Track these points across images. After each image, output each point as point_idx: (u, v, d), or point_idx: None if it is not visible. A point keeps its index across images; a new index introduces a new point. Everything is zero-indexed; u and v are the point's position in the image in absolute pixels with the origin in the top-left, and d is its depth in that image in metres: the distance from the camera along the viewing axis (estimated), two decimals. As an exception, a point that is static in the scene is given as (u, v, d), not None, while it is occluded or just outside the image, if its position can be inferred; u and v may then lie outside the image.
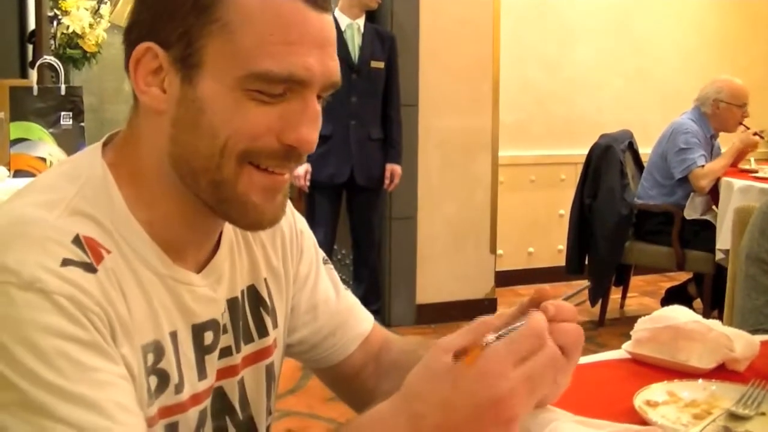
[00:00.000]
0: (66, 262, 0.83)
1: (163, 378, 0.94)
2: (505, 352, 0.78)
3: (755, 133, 4.63)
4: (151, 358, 0.92)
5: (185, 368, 0.97)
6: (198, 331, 0.99)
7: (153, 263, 0.94)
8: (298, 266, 1.18)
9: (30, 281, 0.80)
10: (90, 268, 0.85)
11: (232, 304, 1.06)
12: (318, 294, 1.20)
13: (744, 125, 4.72)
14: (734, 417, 1.12)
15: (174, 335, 0.96)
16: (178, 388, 0.96)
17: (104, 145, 0.98)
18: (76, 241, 0.86)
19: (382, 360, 1.23)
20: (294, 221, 1.19)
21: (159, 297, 0.94)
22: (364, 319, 1.25)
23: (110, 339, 0.84)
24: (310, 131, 0.91)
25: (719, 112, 4.65)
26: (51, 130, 3.11)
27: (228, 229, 1.06)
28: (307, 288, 1.20)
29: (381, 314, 4.62)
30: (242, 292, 1.08)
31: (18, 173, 3.02)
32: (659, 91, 5.90)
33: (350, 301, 1.25)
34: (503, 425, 0.78)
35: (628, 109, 5.84)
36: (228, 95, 0.88)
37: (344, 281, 1.30)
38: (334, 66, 0.93)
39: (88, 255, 0.86)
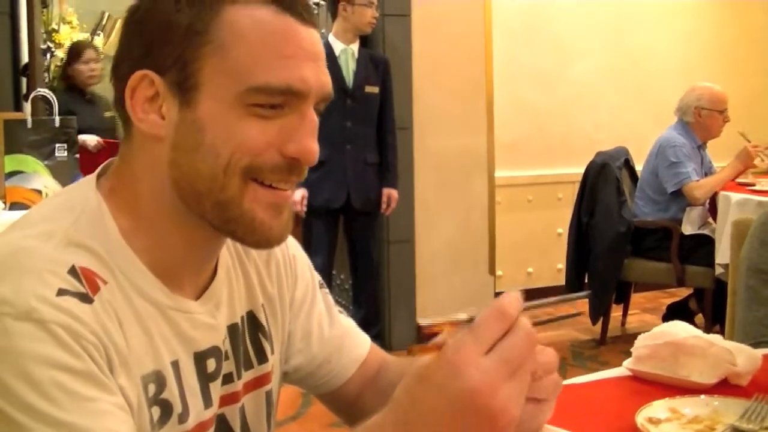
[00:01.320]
0: (62, 292, 0.82)
1: (166, 408, 0.93)
2: (471, 339, 0.73)
3: (755, 146, 4.63)
4: (152, 388, 0.91)
5: (190, 397, 0.96)
6: (200, 358, 0.98)
7: (149, 293, 0.93)
8: (293, 292, 1.18)
9: (26, 311, 0.79)
10: (86, 299, 0.84)
11: (233, 330, 1.05)
12: (312, 320, 1.20)
13: (742, 134, 4.73)
14: (738, 432, 1.11)
15: (176, 364, 0.95)
16: (182, 418, 0.95)
17: (99, 176, 0.98)
18: (72, 271, 0.85)
19: (380, 381, 1.21)
20: (286, 246, 1.18)
21: (157, 327, 0.93)
22: (360, 343, 1.24)
23: (107, 369, 0.83)
24: (310, 141, 0.93)
25: (701, 120, 4.67)
26: (46, 162, 3.12)
27: (224, 255, 1.06)
28: (302, 314, 1.19)
29: (381, 338, 4.60)
30: (242, 318, 1.08)
31: (13, 206, 3.03)
32: (656, 106, 5.88)
33: (345, 325, 1.24)
34: (490, 420, 0.71)
35: (625, 125, 5.84)
36: (228, 113, 0.89)
37: (344, 306, 1.29)
38: (327, 79, 0.95)
39: (84, 285, 0.85)
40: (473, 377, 0.71)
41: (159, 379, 0.92)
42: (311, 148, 0.93)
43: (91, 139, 4.76)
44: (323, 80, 0.94)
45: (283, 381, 1.19)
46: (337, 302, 1.27)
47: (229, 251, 1.08)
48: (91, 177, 0.98)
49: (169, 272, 0.95)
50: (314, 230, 4.33)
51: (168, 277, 0.95)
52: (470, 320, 0.76)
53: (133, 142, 0.96)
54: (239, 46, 0.89)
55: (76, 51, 4.99)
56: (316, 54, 0.93)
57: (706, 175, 4.67)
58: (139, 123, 0.93)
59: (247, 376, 1.08)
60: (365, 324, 4.39)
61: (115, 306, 0.88)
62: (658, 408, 1.19)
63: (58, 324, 0.80)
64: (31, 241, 0.87)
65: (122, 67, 0.93)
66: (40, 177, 3.10)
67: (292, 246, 1.20)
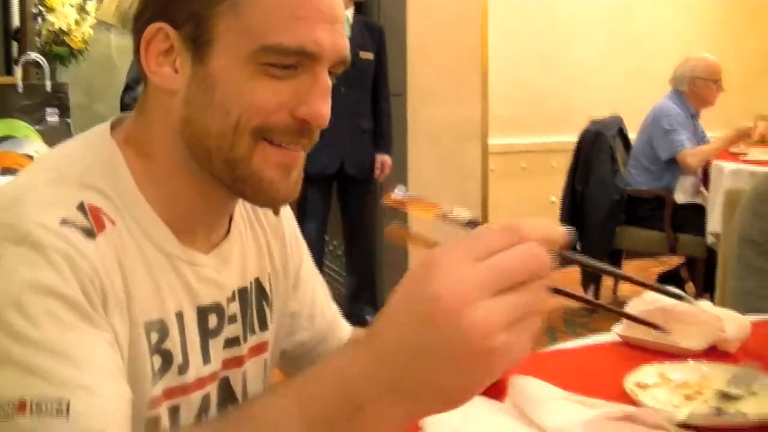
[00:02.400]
0: (65, 222, 0.83)
1: (167, 358, 0.93)
2: (463, 243, 0.61)
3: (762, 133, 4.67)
4: (155, 336, 0.91)
5: (190, 350, 0.96)
6: (202, 313, 0.98)
7: (159, 241, 0.93)
8: (299, 270, 1.19)
9: (24, 235, 0.80)
10: (89, 234, 0.85)
11: (242, 293, 1.05)
12: (317, 301, 1.22)
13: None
14: (726, 397, 1.12)
15: (180, 316, 0.95)
16: (182, 369, 0.95)
17: (112, 128, 0.98)
18: (81, 207, 0.86)
19: None
20: (295, 227, 1.20)
21: (165, 276, 0.93)
22: (345, 327, 1.28)
23: (100, 306, 0.83)
24: (321, 105, 0.92)
25: (696, 90, 4.71)
26: (37, 127, 3.11)
27: (237, 219, 1.06)
28: (308, 293, 1.20)
29: (374, 304, 4.61)
30: (251, 283, 1.08)
31: (5, 171, 3.01)
32: (654, 84, 5.81)
33: (334, 308, 1.27)
34: (461, 338, 0.59)
35: (621, 98, 5.81)
36: (240, 71, 0.89)
37: (337, 273, 1.30)
38: (344, 42, 0.93)
39: (90, 221, 0.86)
40: (443, 282, 0.60)
41: (162, 329, 0.92)
42: (322, 111, 0.92)
43: None
44: (339, 43, 0.92)
45: (280, 358, 1.18)
46: (330, 269, 1.27)
47: (242, 217, 1.08)
48: (105, 126, 0.98)
49: (181, 225, 0.96)
50: (308, 197, 4.31)
51: (180, 230, 0.96)
52: (472, 224, 0.66)
53: (148, 96, 0.96)
54: (254, 4, 0.88)
55: None
56: (333, 17, 0.91)
57: (699, 144, 4.69)
58: (153, 75, 0.92)
59: (252, 341, 1.08)
60: (358, 290, 4.41)
61: (121, 248, 0.88)
62: (647, 373, 1.20)
63: (56, 250, 0.80)
64: (42, 183, 0.87)
65: (140, 20, 0.93)
66: (31, 142, 3.08)
67: (299, 230, 1.21)
